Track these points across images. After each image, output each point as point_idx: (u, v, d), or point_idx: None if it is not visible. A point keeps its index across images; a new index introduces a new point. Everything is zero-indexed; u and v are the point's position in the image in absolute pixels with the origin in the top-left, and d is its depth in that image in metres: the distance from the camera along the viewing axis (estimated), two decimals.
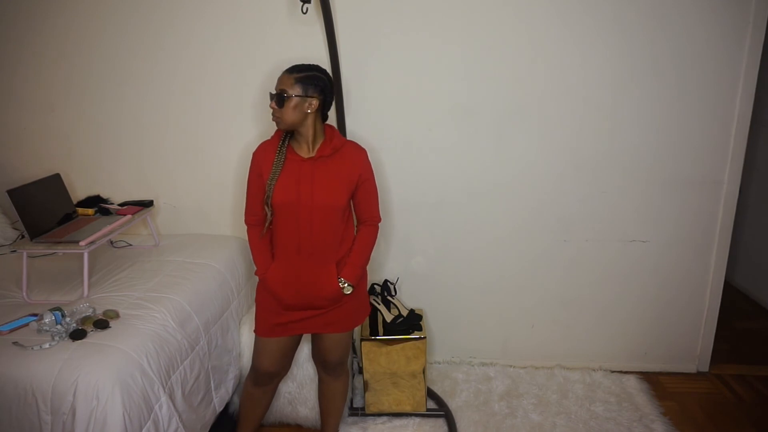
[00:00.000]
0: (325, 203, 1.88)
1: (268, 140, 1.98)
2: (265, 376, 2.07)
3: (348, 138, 2.49)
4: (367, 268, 2.06)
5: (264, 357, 2.03)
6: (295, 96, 1.83)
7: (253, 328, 2.05)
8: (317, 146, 1.92)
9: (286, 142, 1.92)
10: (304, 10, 2.31)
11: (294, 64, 1.90)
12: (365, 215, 2.03)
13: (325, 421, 2.25)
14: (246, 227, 2.02)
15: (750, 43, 2.39)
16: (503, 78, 2.50)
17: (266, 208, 1.91)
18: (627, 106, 2.50)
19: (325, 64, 2.47)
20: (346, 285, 1.95)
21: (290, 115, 1.84)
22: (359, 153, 1.98)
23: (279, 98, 1.83)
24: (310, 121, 1.88)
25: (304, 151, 1.91)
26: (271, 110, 1.87)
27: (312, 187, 1.87)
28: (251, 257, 2.06)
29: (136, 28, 2.55)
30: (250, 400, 2.12)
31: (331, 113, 2.45)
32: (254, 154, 1.96)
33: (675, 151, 2.54)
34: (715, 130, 2.51)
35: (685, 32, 2.39)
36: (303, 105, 1.85)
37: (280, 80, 1.86)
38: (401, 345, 2.42)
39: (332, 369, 2.14)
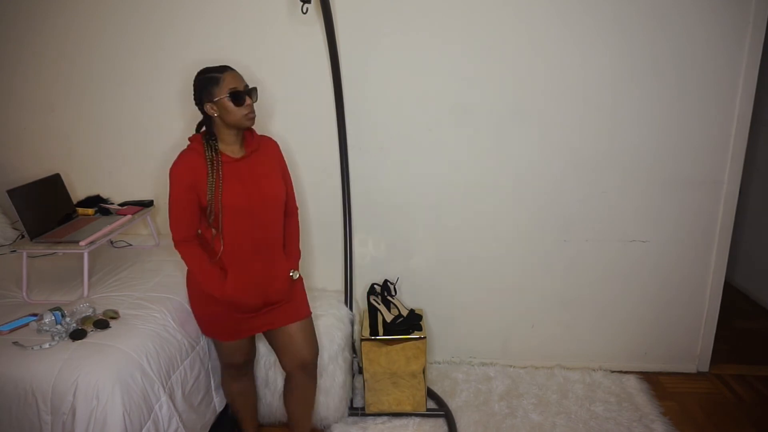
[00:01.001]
0: (273, 197, 1.88)
1: (184, 151, 1.81)
2: (241, 368, 2.09)
3: (347, 138, 2.50)
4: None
5: (236, 353, 2.02)
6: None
7: (213, 337, 2.00)
8: (244, 144, 1.88)
9: (214, 146, 1.80)
10: (304, 10, 2.31)
11: (225, 65, 1.85)
12: (289, 205, 2.02)
13: (300, 425, 2.14)
14: (178, 247, 1.83)
15: (750, 43, 2.39)
16: (503, 78, 2.50)
17: (207, 218, 1.79)
18: (627, 106, 2.50)
19: (325, 64, 2.48)
20: (293, 272, 1.97)
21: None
22: (275, 144, 1.98)
23: (255, 93, 1.83)
24: None
25: (235, 151, 1.84)
26: (249, 108, 1.78)
27: (258, 185, 1.85)
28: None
29: (136, 28, 2.55)
30: (239, 396, 2.15)
31: (331, 113, 2.46)
32: (175, 169, 1.77)
33: (675, 151, 2.54)
34: (715, 130, 2.51)
35: (685, 32, 2.39)
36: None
37: (241, 77, 1.80)
38: (401, 345, 2.42)
39: (311, 366, 2.05)
